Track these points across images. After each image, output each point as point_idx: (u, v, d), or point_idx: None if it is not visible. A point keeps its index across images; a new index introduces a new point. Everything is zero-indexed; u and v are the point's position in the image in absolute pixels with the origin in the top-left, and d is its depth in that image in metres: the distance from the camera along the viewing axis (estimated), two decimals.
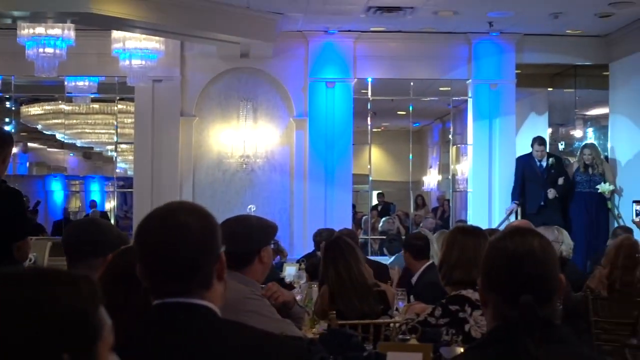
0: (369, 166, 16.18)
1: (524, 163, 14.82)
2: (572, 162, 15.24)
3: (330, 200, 14.79)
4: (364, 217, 17.49)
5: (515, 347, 2.61)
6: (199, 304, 2.61)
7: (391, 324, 6.29)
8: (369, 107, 15.91)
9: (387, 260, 11.37)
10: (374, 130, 16.64)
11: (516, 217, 14.60)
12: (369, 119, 16.00)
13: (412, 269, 8.22)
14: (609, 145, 15.84)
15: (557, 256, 2.91)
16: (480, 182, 15.29)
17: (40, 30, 12.45)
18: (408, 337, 4.98)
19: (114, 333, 2.74)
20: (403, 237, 13.86)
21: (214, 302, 2.65)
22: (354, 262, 6.69)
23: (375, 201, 20.84)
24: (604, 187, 14.17)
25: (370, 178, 16.20)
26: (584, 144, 15.45)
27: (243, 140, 14.79)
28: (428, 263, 8.11)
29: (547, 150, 15.17)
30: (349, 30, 14.92)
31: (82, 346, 1.59)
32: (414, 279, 7.91)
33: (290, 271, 10.15)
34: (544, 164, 14.76)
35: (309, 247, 11.85)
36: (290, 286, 8.36)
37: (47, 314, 1.56)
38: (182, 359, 2.54)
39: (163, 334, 2.58)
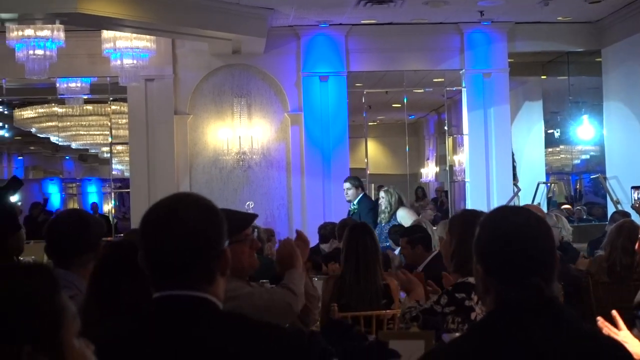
0: (365, 160, 16.15)
1: None
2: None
3: (328, 194, 14.73)
4: None
5: (521, 329, 2.56)
6: (201, 296, 2.56)
7: (396, 315, 6.24)
8: (363, 100, 15.89)
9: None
10: (369, 123, 16.60)
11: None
12: (364, 112, 15.98)
13: (417, 261, 8.17)
14: (604, 132, 15.80)
15: (552, 231, 2.84)
16: (478, 171, 15.25)
17: (29, 32, 12.40)
18: (409, 326, 4.93)
19: (108, 325, 2.69)
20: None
21: (216, 297, 2.61)
22: (376, 261, 6.69)
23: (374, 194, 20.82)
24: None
25: (368, 171, 16.15)
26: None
27: (238, 137, 14.73)
28: (434, 253, 8.05)
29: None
30: (340, 24, 14.86)
31: (42, 335, 1.56)
32: (419, 269, 7.85)
33: None
34: (351, 207, 12.75)
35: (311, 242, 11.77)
36: None
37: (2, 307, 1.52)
38: (182, 352, 2.50)
39: (164, 326, 2.54)
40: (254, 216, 4.47)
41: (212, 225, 2.63)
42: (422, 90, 17.48)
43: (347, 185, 12.77)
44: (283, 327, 3.22)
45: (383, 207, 12.37)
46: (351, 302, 6.54)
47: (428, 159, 23.52)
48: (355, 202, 12.67)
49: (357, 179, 13.02)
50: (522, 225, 2.74)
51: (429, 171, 23.09)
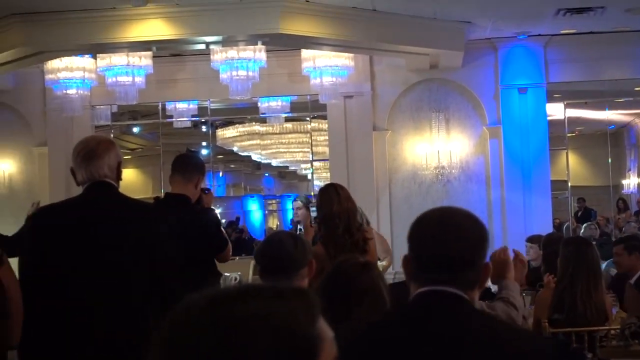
0: (566, 171, 15.84)
1: None
2: None
3: (528, 207, 14.51)
4: (565, 224, 17.07)
5: None
6: (463, 296, 2.63)
7: (611, 331, 6.08)
8: (563, 111, 15.61)
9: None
10: (568, 135, 16.28)
11: None
12: (564, 123, 15.69)
13: (632, 269, 7.98)
14: None
15: None
16: None
17: (232, 53, 12.81)
18: (629, 343, 4.81)
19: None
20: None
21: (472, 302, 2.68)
22: (597, 276, 6.56)
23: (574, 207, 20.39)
24: None
25: (569, 184, 15.85)
26: None
27: (437, 151, 14.69)
28: None
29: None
30: (539, 35, 14.64)
31: (301, 359, 1.53)
32: (631, 281, 7.65)
33: None
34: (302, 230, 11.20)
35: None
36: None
37: (264, 330, 1.51)
38: (446, 345, 2.57)
39: (429, 319, 2.64)
40: None
41: (482, 237, 2.74)
42: (622, 100, 17.04)
43: (298, 204, 11.36)
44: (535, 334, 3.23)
45: (308, 222, 10.96)
46: (569, 318, 6.41)
47: (629, 169, 22.87)
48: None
49: (307, 198, 11.87)
50: None
51: (631, 182, 22.44)
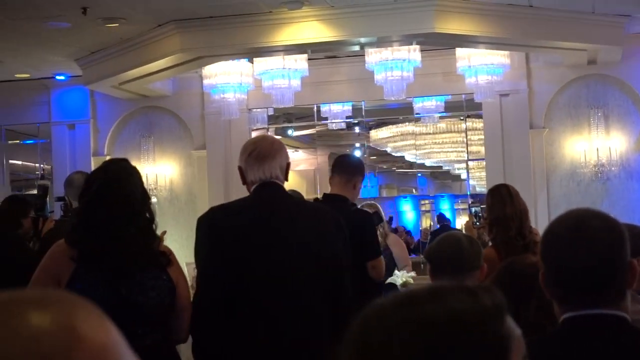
0: None
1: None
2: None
3: None
4: None
5: None
6: (618, 315, 2.51)
7: None
8: None
9: None
10: None
11: None
12: None
13: None
14: None
15: None
16: None
17: (387, 54, 12.79)
18: None
19: None
20: None
21: (627, 312, 2.55)
22: None
23: None
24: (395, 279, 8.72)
25: None
26: None
27: (596, 149, 14.37)
28: None
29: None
30: None
31: (493, 357, 1.51)
32: None
33: None
34: None
35: None
36: None
37: (457, 329, 1.50)
38: None
39: (584, 348, 2.49)
40: None
41: (617, 236, 2.56)
42: None
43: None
44: None
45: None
46: None
47: None
48: None
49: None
50: None
51: None
